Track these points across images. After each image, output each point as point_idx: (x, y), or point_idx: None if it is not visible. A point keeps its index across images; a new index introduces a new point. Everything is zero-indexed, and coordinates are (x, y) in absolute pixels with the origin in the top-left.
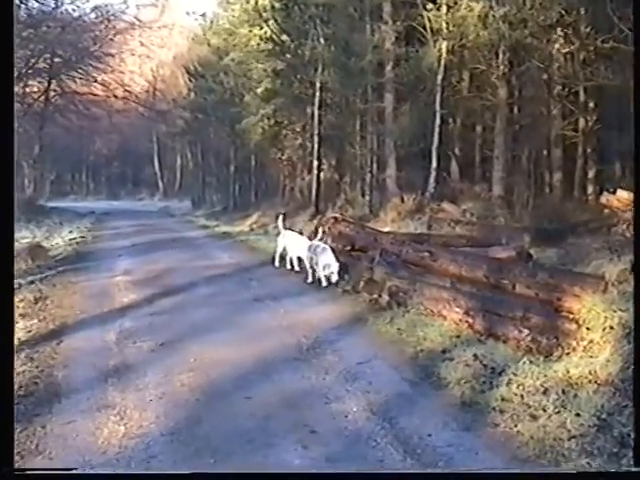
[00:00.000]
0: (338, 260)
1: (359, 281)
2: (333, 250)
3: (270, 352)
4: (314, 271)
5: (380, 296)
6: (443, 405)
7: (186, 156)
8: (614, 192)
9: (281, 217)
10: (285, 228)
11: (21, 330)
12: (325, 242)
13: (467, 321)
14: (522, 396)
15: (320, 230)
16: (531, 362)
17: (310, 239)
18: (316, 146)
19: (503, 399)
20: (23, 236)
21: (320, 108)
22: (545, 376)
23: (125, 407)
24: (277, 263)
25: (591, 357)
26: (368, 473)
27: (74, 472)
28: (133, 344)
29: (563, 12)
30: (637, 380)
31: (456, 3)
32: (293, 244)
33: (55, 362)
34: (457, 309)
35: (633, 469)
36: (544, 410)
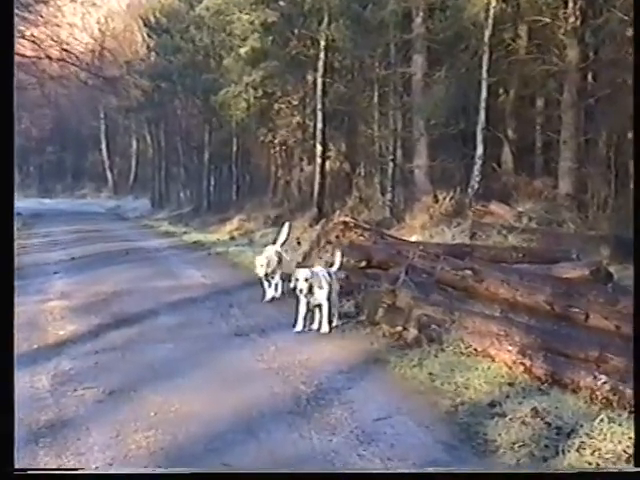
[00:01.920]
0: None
1: (377, 308)
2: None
3: (256, 404)
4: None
5: (405, 329)
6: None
7: (144, 139)
8: None
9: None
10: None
11: None
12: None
13: (523, 363)
14: (598, 465)
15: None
16: (611, 420)
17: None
18: (319, 125)
19: (573, 469)
20: None
21: (325, 74)
22: (630, 439)
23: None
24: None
25: None
26: (368, 473)
27: (74, 472)
28: (73, 392)
29: None
30: (637, 381)
31: None
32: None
33: None
34: (510, 347)
35: (633, 469)
36: None
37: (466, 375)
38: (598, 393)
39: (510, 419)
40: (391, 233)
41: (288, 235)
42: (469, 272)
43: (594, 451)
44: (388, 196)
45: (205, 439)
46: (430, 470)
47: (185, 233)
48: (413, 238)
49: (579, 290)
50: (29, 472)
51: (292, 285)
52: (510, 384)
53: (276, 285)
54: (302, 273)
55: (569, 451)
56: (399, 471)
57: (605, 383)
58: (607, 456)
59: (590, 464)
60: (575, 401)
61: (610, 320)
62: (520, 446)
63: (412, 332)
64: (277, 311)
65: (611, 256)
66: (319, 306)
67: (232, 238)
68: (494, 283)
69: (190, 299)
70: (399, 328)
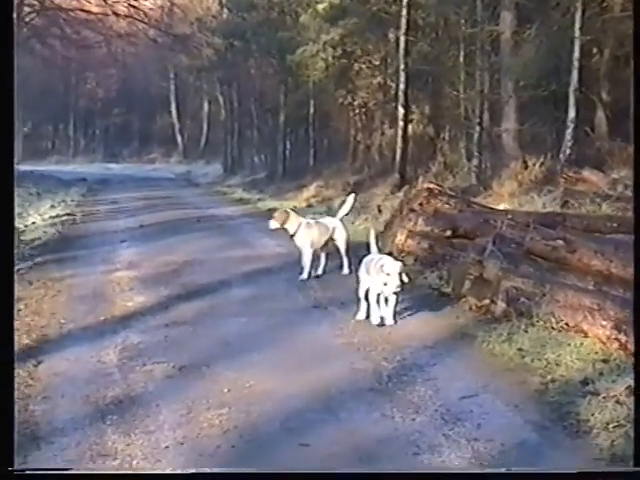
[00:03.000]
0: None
1: (463, 280)
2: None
3: (335, 381)
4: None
5: (493, 302)
6: (584, 459)
7: (216, 100)
8: None
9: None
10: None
11: None
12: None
13: (618, 339)
14: None
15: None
16: None
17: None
18: (401, 87)
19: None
20: None
21: (407, 32)
22: None
23: (131, 456)
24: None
25: None
26: (368, 473)
27: (74, 472)
28: (142, 367)
29: None
30: (637, 378)
31: None
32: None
33: (31, 392)
34: (604, 322)
35: (633, 469)
36: None
37: (557, 351)
38: None
39: (604, 398)
40: (478, 201)
41: (352, 207)
42: (561, 242)
43: None
44: (474, 162)
45: (281, 418)
46: (430, 470)
47: (259, 200)
48: (501, 206)
49: None
50: (28, 472)
51: (382, 281)
52: (604, 361)
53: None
54: (394, 266)
55: None
56: (399, 471)
57: None
58: None
59: None
60: None
61: None
62: (615, 426)
63: (500, 305)
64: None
65: None
66: (386, 298)
67: (309, 205)
68: (587, 254)
69: (265, 270)
70: (487, 301)
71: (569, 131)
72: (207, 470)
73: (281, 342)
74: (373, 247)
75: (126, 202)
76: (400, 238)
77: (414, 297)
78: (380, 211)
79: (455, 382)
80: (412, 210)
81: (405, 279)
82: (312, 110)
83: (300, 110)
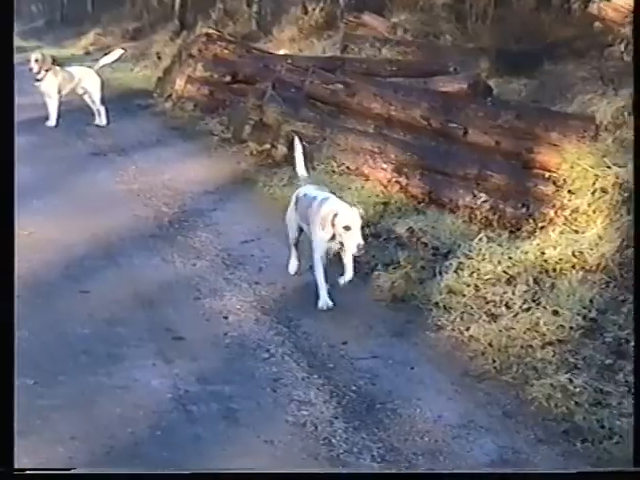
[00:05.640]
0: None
1: (243, 126)
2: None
3: (116, 227)
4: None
5: (274, 147)
6: (365, 301)
7: None
8: None
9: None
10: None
11: None
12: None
13: (399, 182)
14: (477, 287)
15: None
16: (490, 240)
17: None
18: None
19: (450, 291)
20: None
21: None
22: (510, 259)
23: None
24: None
25: (576, 232)
26: (368, 473)
27: (74, 472)
28: None
29: None
30: (637, 380)
31: None
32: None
33: None
34: (384, 165)
35: (633, 469)
36: (508, 307)
37: (338, 194)
38: (477, 212)
39: (384, 240)
40: (258, 46)
41: (119, 58)
42: (340, 86)
43: (472, 272)
44: (254, 8)
45: (60, 265)
46: (430, 470)
47: (38, 47)
48: (281, 52)
49: (457, 104)
50: (28, 472)
51: None
52: (385, 204)
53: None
54: (353, 216)
55: (447, 272)
56: (399, 471)
57: (485, 202)
58: (486, 277)
59: (468, 285)
60: (453, 220)
61: (490, 135)
62: (395, 268)
63: (281, 150)
64: (140, 130)
65: (490, 69)
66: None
67: (87, 53)
68: (367, 97)
69: (40, 118)
70: (267, 146)
71: None
72: (208, 470)
73: (61, 189)
74: (301, 169)
75: None
76: (179, 84)
77: (195, 142)
78: (159, 58)
79: (236, 226)
80: (191, 56)
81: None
82: None
83: None
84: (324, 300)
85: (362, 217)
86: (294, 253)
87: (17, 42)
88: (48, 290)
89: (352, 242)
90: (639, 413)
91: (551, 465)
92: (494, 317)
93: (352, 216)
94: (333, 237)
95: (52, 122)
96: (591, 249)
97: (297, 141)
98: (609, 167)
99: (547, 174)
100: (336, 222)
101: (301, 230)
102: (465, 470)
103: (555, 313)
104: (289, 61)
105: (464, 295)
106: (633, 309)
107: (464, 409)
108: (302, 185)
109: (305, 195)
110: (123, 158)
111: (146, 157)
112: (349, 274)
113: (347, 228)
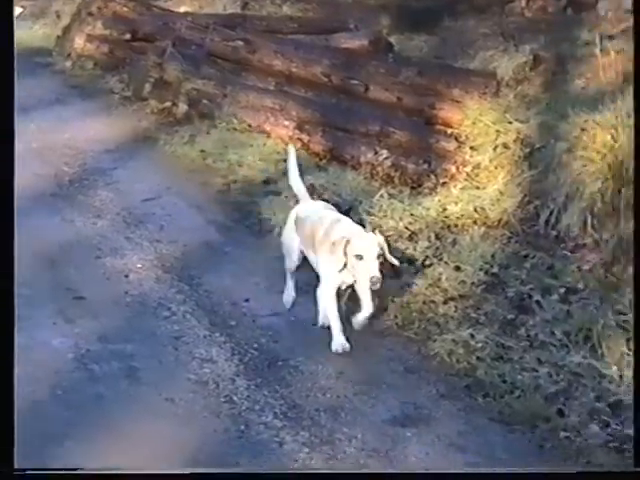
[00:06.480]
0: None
1: (144, 84)
2: None
3: (15, 187)
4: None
5: (175, 104)
6: (267, 258)
7: None
8: None
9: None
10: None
11: None
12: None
13: (300, 139)
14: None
15: None
16: (392, 196)
17: None
18: None
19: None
20: None
21: None
22: (412, 215)
23: None
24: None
25: (477, 188)
26: (368, 473)
27: (74, 472)
28: None
29: None
30: (637, 379)
31: None
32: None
33: None
34: (286, 122)
35: (633, 469)
36: (410, 262)
37: (240, 152)
38: (379, 169)
39: (286, 197)
40: (158, 4)
41: (18, 16)
42: (241, 43)
43: (374, 228)
44: None
45: None
46: (430, 470)
47: None
48: (181, 9)
49: (358, 61)
50: (29, 472)
51: None
52: (286, 160)
53: None
54: (370, 242)
55: None
56: (399, 471)
57: (387, 158)
58: (388, 233)
59: None
60: (354, 177)
61: (392, 92)
62: None
63: (182, 107)
64: (39, 89)
65: (391, 25)
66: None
67: None
68: (268, 55)
69: None
70: (168, 104)
71: None
72: (208, 470)
73: None
74: (296, 182)
75: None
76: (79, 42)
77: (95, 101)
78: (59, 16)
79: (137, 185)
80: (90, 14)
81: (395, 262)
82: None
83: None
84: (339, 341)
85: (381, 244)
86: (291, 282)
87: None
88: None
89: (365, 274)
90: (638, 412)
91: (452, 420)
92: (396, 273)
93: (367, 243)
94: (344, 266)
95: None
96: (492, 205)
97: (291, 149)
98: (510, 123)
99: (449, 130)
100: (348, 250)
101: (302, 255)
102: (465, 470)
103: (457, 269)
104: (189, 18)
105: None
106: (633, 304)
107: (366, 365)
108: (301, 201)
109: (308, 216)
110: (22, 117)
111: (46, 116)
112: (366, 310)
113: (359, 257)
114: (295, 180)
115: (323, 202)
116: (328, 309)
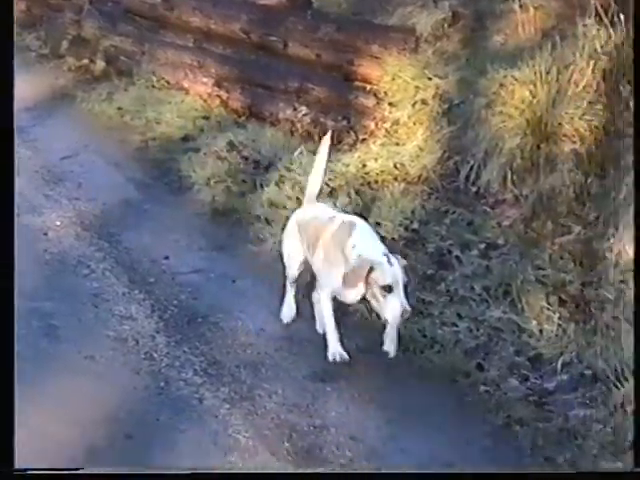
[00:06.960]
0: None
1: (61, 41)
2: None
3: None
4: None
5: (92, 62)
6: (186, 215)
7: None
8: None
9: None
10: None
11: None
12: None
13: (219, 96)
14: (299, 200)
15: None
16: (311, 152)
17: None
18: None
19: (272, 204)
20: None
21: None
22: (331, 172)
23: None
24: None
25: (397, 145)
26: (368, 473)
27: (74, 472)
28: None
29: None
30: (637, 378)
31: None
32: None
33: None
34: (205, 79)
35: (633, 469)
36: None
37: (158, 109)
38: (298, 125)
39: (204, 154)
40: None
41: None
42: (159, 0)
43: (294, 185)
44: None
45: None
46: (430, 470)
47: None
48: None
49: (276, 17)
50: (29, 472)
51: None
52: (205, 118)
53: None
54: (395, 269)
55: (267, 185)
56: (398, 471)
57: (306, 115)
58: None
59: (289, 198)
60: (274, 134)
61: (311, 49)
62: (216, 182)
63: (100, 65)
64: None
65: None
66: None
67: None
68: (186, 11)
69: None
70: (85, 61)
71: None
72: (208, 470)
73: None
74: (318, 173)
75: None
76: None
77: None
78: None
79: (55, 143)
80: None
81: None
82: None
83: None
84: (335, 350)
85: (406, 268)
86: (291, 295)
87: None
88: None
89: (393, 308)
90: (638, 411)
91: (372, 375)
92: None
93: (395, 272)
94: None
95: None
96: (412, 161)
97: (326, 139)
98: (429, 79)
99: (368, 87)
100: (371, 279)
101: (305, 265)
102: (464, 470)
103: (377, 224)
104: None
105: (285, 208)
106: (633, 306)
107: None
108: (304, 204)
109: (316, 217)
110: None
111: None
112: (390, 347)
113: (388, 289)
114: (317, 176)
115: (324, 204)
116: (325, 316)
